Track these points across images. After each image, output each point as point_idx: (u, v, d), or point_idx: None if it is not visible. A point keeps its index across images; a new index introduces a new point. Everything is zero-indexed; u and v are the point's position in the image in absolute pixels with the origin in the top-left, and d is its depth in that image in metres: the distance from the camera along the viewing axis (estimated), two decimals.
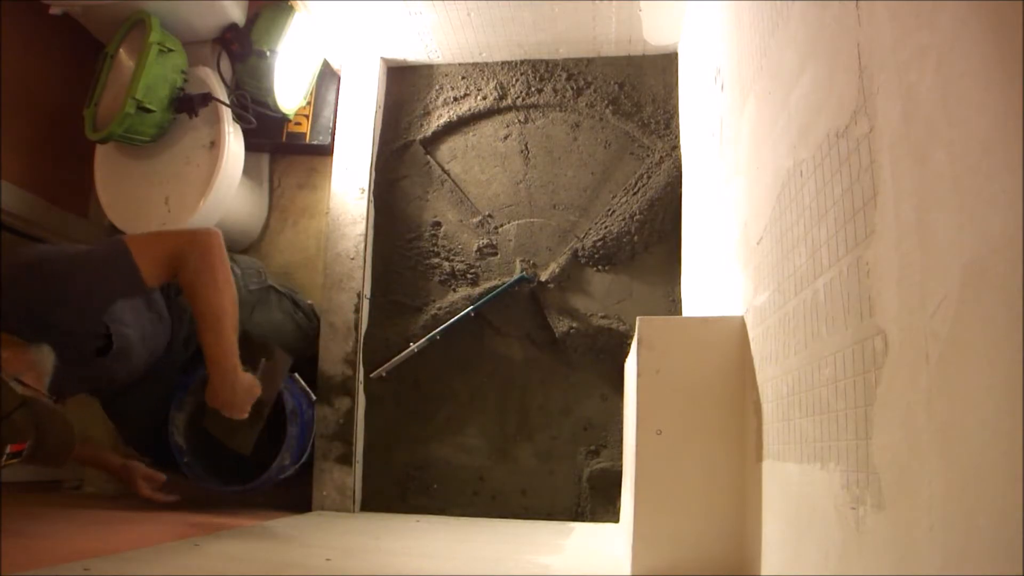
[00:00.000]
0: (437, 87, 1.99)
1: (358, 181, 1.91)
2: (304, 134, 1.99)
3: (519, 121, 1.93)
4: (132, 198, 1.75)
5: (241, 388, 1.36)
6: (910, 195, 0.52)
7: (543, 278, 1.81)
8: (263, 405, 1.46)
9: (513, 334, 1.82)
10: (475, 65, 1.98)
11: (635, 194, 1.82)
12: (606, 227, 1.81)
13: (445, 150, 1.96)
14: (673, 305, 1.76)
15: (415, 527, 1.54)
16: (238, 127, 1.78)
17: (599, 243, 1.81)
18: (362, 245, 1.86)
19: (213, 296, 1.30)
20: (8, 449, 1.08)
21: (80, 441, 1.31)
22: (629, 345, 1.61)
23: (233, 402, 1.36)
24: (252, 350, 1.45)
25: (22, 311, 1.19)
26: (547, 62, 1.94)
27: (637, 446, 1.03)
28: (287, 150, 2.04)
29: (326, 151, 1.98)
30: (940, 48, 0.49)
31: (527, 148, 1.91)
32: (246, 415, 1.40)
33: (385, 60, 1.99)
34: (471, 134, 1.95)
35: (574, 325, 1.77)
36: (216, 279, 1.30)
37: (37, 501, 1.65)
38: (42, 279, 1.22)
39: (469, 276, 1.86)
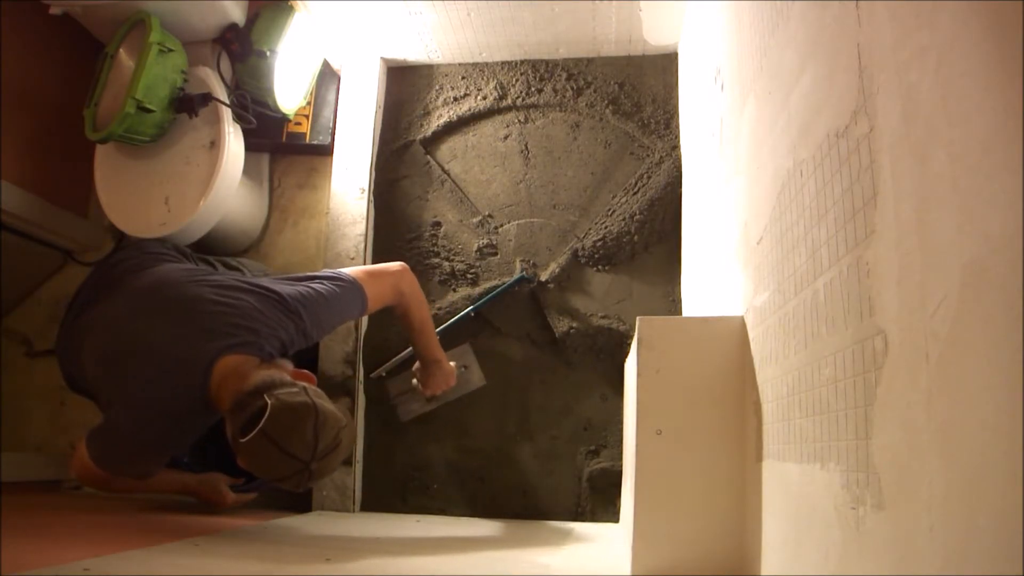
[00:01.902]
0: (437, 87, 1.99)
1: (358, 181, 1.91)
2: (304, 134, 1.99)
3: (519, 121, 1.93)
4: (132, 198, 1.75)
5: (447, 372, 1.67)
6: (910, 195, 0.52)
7: (543, 278, 1.81)
8: (439, 399, 1.78)
9: (513, 334, 1.82)
10: (475, 65, 1.98)
11: (635, 194, 1.82)
12: (606, 227, 1.81)
13: (445, 150, 1.96)
14: (673, 305, 1.76)
15: (415, 527, 1.54)
16: (238, 127, 1.78)
17: (599, 243, 1.81)
18: (362, 245, 1.86)
19: (424, 315, 1.59)
20: (346, 453, 1.20)
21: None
22: (629, 345, 1.61)
23: (438, 382, 1.66)
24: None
25: (282, 342, 1.30)
26: (547, 62, 1.94)
27: (637, 446, 1.03)
28: (287, 150, 2.04)
29: (326, 151, 1.98)
30: (940, 48, 0.49)
31: (527, 148, 1.91)
32: (443, 389, 1.69)
33: (385, 60, 1.99)
34: (471, 134, 1.95)
35: (574, 325, 1.77)
36: (423, 302, 1.59)
37: (37, 501, 1.65)
38: (301, 318, 1.33)
39: (469, 276, 1.86)
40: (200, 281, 1.36)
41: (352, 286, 1.43)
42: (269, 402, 1.11)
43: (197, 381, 1.21)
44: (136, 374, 1.26)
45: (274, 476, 1.14)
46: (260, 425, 1.09)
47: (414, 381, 1.70)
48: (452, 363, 1.69)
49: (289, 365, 1.32)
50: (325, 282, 1.41)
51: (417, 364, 1.68)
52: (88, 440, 1.29)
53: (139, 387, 1.26)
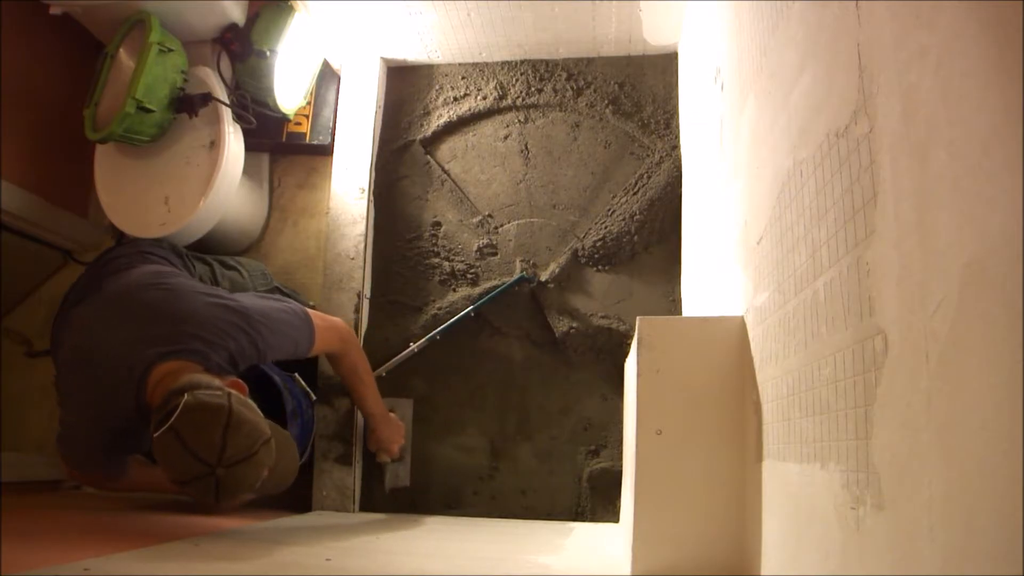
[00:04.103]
0: (437, 87, 1.99)
1: (358, 181, 1.91)
2: (304, 134, 1.99)
3: (519, 121, 1.93)
4: (132, 198, 1.75)
5: (394, 424, 1.71)
6: (910, 195, 0.52)
7: (543, 278, 1.81)
8: (403, 453, 1.79)
9: (513, 334, 1.82)
10: (475, 65, 1.98)
11: (635, 194, 1.82)
12: (606, 227, 1.81)
13: (445, 150, 1.96)
14: (673, 305, 1.76)
15: (415, 527, 1.54)
16: (238, 127, 1.78)
17: (599, 243, 1.81)
18: (362, 245, 1.86)
19: (368, 372, 1.61)
20: (264, 473, 1.14)
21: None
22: (629, 345, 1.61)
23: (392, 436, 1.70)
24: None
25: (230, 353, 1.28)
26: (547, 62, 1.94)
27: (637, 446, 1.03)
28: (287, 150, 2.04)
29: (326, 151, 1.98)
30: (940, 48, 0.49)
31: (527, 148, 1.91)
32: (395, 450, 1.72)
33: (385, 60, 1.99)
34: (471, 134, 1.95)
35: (574, 325, 1.77)
36: (365, 360, 1.61)
37: (37, 501, 1.65)
38: (253, 332, 1.32)
39: (469, 276, 1.86)
40: (163, 285, 1.36)
41: (307, 322, 1.44)
42: (184, 399, 1.10)
43: (133, 385, 1.22)
44: (83, 377, 1.29)
45: (179, 477, 1.10)
46: (170, 421, 1.08)
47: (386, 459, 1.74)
48: (393, 413, 1.73)
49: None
50: (287, 309, 1.43)
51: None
52: (56, 440, 1.33)
53: (82, 389, 1.29)
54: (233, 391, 1.17)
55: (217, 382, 1.18)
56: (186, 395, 1.11)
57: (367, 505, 1.78)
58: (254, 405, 1.18)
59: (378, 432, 1.67)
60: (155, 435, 1.10)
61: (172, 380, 1.18)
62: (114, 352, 1.26)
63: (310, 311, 1.49)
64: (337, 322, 1.56)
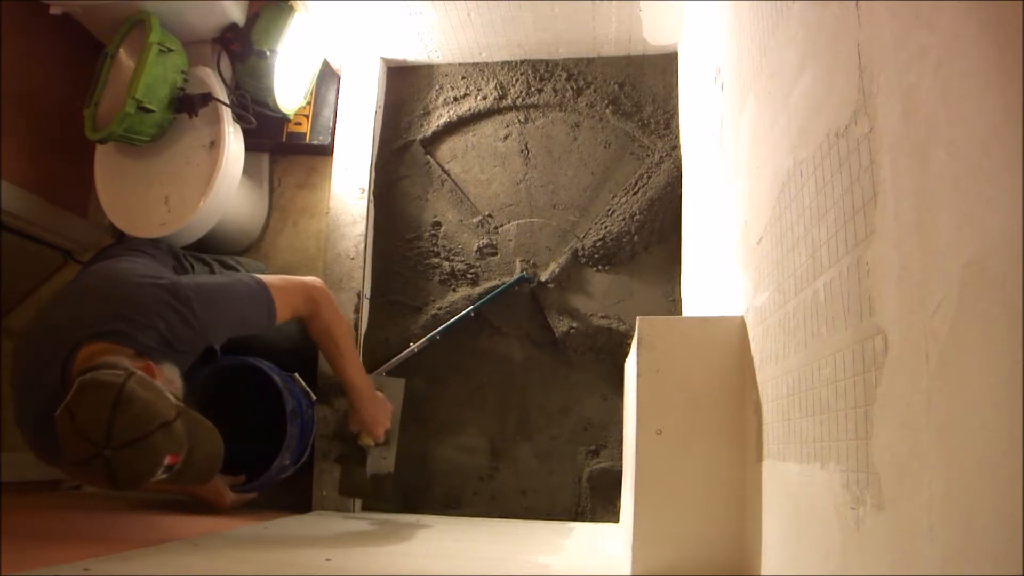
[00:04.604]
0: (437, 87, 1.99)
1: (358, 181, 1.91)
2: (304, 134, 1.99)
3: (519, 121, 1.93)
4: (132, 198, 1.75)
5: (380, 401, 1.55)
6: (910, 195, 0.52)
7: (543, 278, 1.81)
8: (390, 436, 1.63)
9: (513, 334, 1.82)
10: (475, 65, 1.98)
11: (635, 194, 1.82)
12: (606, 227, 1.81)
13: (445, 150, 1.96)
14: (673, 305, 1.76)
15: (415, 527, 1.54)
16: (238, 127, 1.78)
17: (599, 243, 1.81)
18: (362, 245, 1.86)
19: (344, 333, 1.49)
20: (166, 460, 1.07)
21: None
22: (629, 345, 1.61)
23: (376, 416, 1.54)
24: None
25: (160, 335, 1.23)
26: (547, 62, 1.94)
27: (637, 446, 1.03)
28: (287, 150, 2.04)
29: (326, 151, 1.98)
30: (940, 48, 0.49)
31: (527, 148, 1.91)
32: (380, 432, 1.56)
33: (385, 60, 1.99)
34: (471, 134, 1.95)
35: (574, 325, 1.77)
36: (342, 320, 1.50)
37: (37, 501, 1.65)
38: (187, 310, 1.26)
39: (469, 276, 1.86)
40: (109, 269, 1.34)
41: (259, 291, 1.37)
42: (80, 378, 1.07)
43: (58, 365, 1.19)
44: (21, 359, 1.29)
45: (71, 458, 1.05)
46: (66, 399, 1.05)
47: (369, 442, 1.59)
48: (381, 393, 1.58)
49: (173, 373, 1.24)
50: (230, 282, 1.38)
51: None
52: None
53: (17, 371, 1.28)
54: (138, 371, 1.11)
55: (126, 363, 1.14)
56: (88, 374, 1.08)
57: (367, 505, 1.78)
58: (161, 388, 1.12)
59: (361, 411, 1.52)
60: (56, 416, 1.06)
61: (92, 362, 1.15)
62: (46, 333, 1.25)
63: (270, 277, 1.42)
64: (302, 282, 1.46)
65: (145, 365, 1.17)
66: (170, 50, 1.65)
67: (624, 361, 1.63)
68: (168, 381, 1.20)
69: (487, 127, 1.95)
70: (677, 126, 1.84)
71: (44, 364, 1.22)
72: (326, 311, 1.46)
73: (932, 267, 0.49)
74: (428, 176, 1.94)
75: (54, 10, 1.68)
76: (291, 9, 1.78)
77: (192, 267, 1.62)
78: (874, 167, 0.59)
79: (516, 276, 1.81)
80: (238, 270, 1.70)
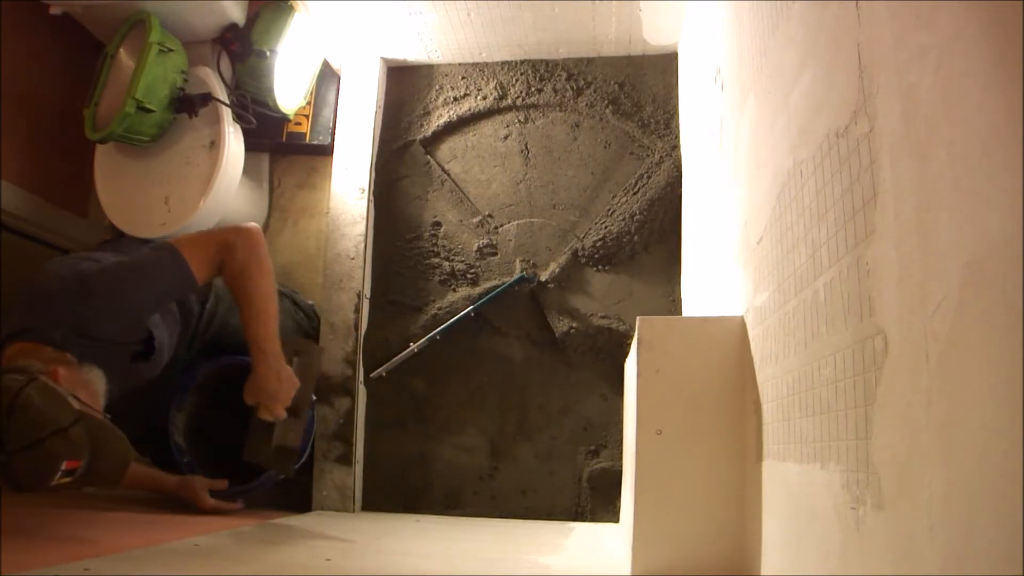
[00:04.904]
0: (437, 87, 1.99)
1: (358, 181, 1.91)
2: (304, 134, 1.99)
3: (519, 121, 1.93)
4: (132, 198, 1.75)
5: (285, 376, 1.37)
6: (910, 195, 0.52)
7: (543, 278, 1.81)
8: (301, 408, 1.46)
9: (513, 334, 1.82)
10: (475, 65, 1.98)
11: (635, 194, 1.82)
12: (606, 227, 1.81)
13: (445, 150, 1.96)
14: (673, 305, 1.76)
15: (415, 527, 1.54)
16: (238, 127, 1.78)
17: (599, 243, 1.81)
18: (362, 245, 1.86)
19: (260, 283, 1.34)
20: (64, 466, 1.06)
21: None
22: (629, 345, 1.61)
23: (278, 391, 1.36)
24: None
25: (71, 327, 1.19)
26: (547, 62, 1.94)
27: (637, 446, 1.03)
28: (287, 150, 2.05)
29: (326, 151, 1.98)
30: (940, 48, 0.49)
31: (527, 148, 1.91)
32: (285, 408, 1.39)
33: (385, 60, 1.99)
34: (471, 134, 1.95)
35: (574, 325, 1.77)
36: (262, 267, 1.34)
37: (37, 501, 1.65)
38: (93, 295, 1.22)
39: (469, 276, 1.86)
40: (52, 267, 1.29)
41: (169, 253, 1.28)
42: None
43: None
44: None
45: None
46: None
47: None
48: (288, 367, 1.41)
49: (93, 373, 1.20)
50: (141, 252, 1.30)
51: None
52: None
53: None
54: (41, 376, 1.09)
55: (38, 364, 1.12)
56: None
57: (367, 505, 1.78)
58: (62, 393, 1.09)
59: (259, 379, 1.35)
60: None
61: (13, 362, 1.13)
62: None
63: (184, 235, 1.34)
64: (221, 229, 1.35)
65: (53, 371, 1.14)
66: (170, 50, 1.65)
67: (624, 361, 1.63)
68: (84, 383, 1.17)
69: (487, 127, 1.95)
70: (677, 126, 1.84)
71: None
72: (243, 254, 1.32)
73: (932, 267, 0.49)
74: (428, 176, 1.94)
75: (54, 10, 1.68)
76: (291, 9, 1.78)
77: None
78: (874, 167, 0.59)
79: (516, 276, 1.81)
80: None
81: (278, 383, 1.36)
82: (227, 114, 1.73)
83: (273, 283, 1.37)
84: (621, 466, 1.65)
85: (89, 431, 1.09)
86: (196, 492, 1.52)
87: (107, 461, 1.12)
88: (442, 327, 1.78)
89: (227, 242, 1.32)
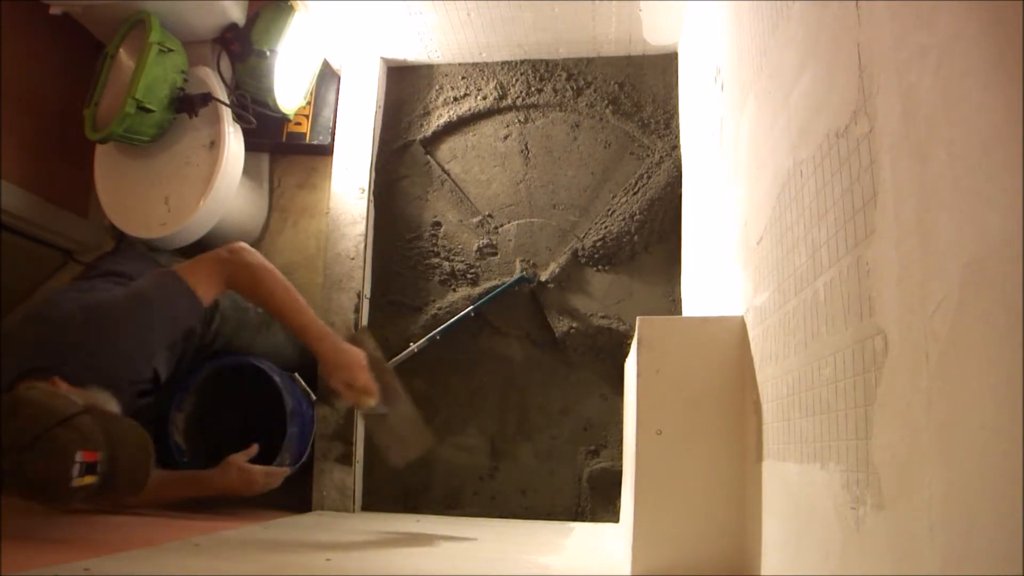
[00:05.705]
0: (437, 87, 1.99)
1: (358, 181, 1.91)
2: (304, 134, 1.99)
3: (519, 121, 1.93)
4: (132, 198, 1.75)
5: (346, 347, 1.35)
6: (910, 195, 0.52)
7: (543, 278, 1.81)
8: (393, 389, 1.42)
9: (513, 334, 1.82)
10: (475, 65, 1.98)
11: (635, 194, 1.82)
12: (606, 227, 1.81)
13: (445, 150, 1.96)
14: (673, 305, 1.76)
15: (415, 527, 1.54)
16: (238, 127, 1.78)
17: (599, 243, 1.81)
18: (362, 245, 1.86)
19: (275, 279, 1.34)
20: (80, 457, 1.03)
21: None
22: (629, 345, 1.61)
23: (350, 361, 1.33)
24: None
25: (80, 359, 1.18)
26: (547, 62, 1.94)
27: (637, 446, 1.03)
28: (287, 150, 2.04)
29: (326, 151, 1.98)
30: (940, 48, 0.49)
31: (527, 148, 1.91)
32: (367, 377, 1.35)
33: (385, 60, 1.99)
34: (471, 134, 1.95)
35: (574, 325, 1.77)
36: (267, 267, 1.35)
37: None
38: (104, 329, 1.21)
39: (469, 276, 1.86)
40: (62, 303, 1.27)
41: (172, 280, 1.28)
42: None
43: None
44: None
45: None
46: None
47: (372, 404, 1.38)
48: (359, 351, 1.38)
49: (103, 396, 1.19)
50: (144, 282, 1.30)
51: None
52: None
53: None
54: (39, 384, 1.10)
55: (43, 384, 1.12)
56: None
57: (367, 505, 1.78)
58: (62, 393, 1.09)
59: (328, 357, 1.32)
60: None
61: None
62: None
63: (182, 264, 1.33)
64: (214, 251, 1.34)
65: (53, 379, 1.13)
66: (170, 50, 1.65)
67: (624, 361, 1.63)
68: (91, 399, 1.15)
69: (487, 127, 1.95)
70: (677, 126, 1.84)
71: None
72: (246, 259, 1.33)
73: (932, 267, 0.49)
74: (428, 176, 1.94)
75: (54, 10, 1.68)
76: (291, 9, 1.78)
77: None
78: (874, 167, 0.59)
79: (516, 276, 1.81)
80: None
81: (347, 352, 1.33)
82: (227, 114, 1.73)
83: (280, 276, 1.37)
84: (621, 466, 1.65)
85: (102, 424, 1.08)
86: (243, 469, 1.44)
87: (128, 452, 1.10)
88: (442, 327, 1.78)
89: (223, 258, 1.33)
